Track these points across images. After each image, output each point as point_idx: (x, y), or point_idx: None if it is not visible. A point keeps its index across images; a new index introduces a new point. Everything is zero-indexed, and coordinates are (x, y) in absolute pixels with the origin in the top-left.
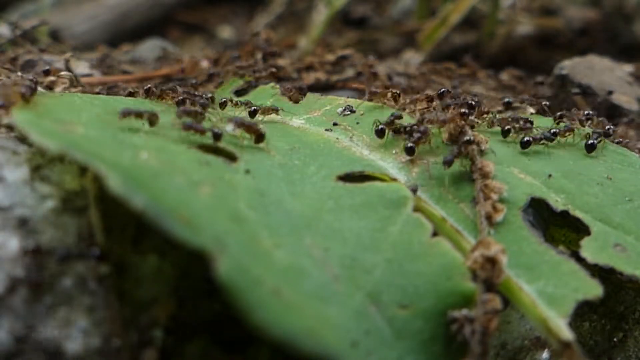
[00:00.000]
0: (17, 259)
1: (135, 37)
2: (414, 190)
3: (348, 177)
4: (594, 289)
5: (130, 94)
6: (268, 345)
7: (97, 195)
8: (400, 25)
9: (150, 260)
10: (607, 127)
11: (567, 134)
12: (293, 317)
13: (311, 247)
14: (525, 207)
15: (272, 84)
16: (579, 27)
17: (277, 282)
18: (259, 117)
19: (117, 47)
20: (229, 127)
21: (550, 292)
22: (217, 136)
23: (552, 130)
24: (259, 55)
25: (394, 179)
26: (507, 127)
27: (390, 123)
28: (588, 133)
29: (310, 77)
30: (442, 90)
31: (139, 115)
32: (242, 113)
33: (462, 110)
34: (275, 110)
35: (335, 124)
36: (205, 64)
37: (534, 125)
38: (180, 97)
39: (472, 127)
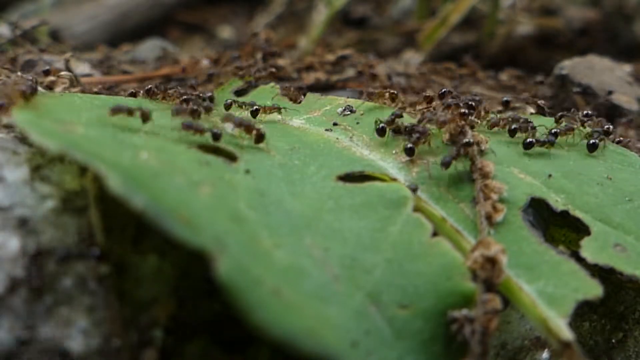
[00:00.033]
0: (17, 259)
1: (135, 37)
2: (414, 190)
3: (348, 177)
4: (594, 289)
5: (132, 95)
6: (268, 345)
7: (97, 195)
8: (400, 25)
9: (150, 260)
10: (606, 126)
11: (567, 133)
12: (293, 317)
13: (311, 247)
14: (525, 207)
15: (272, 84)
16: (579, 27)
17: (277, 282)
18: (261, 116)
19: (117, 47)
20: (229, 127)
21: (550, 292)
22: (216, 136)
23: (552, 131)
24: (259, 55)
25: (394, 179)
26: (513, 127)
27: (391, 122)
28: (589, 133)
29: (310, 77)
30: (443, 90)
31: (130, 112)
32: (246, 114)
33: (462, 110)
34: (278, 109)
35: (335, 124)
36: (205, 62)
37: (534, 125)
38: (184, 97)
39: (472, 127)
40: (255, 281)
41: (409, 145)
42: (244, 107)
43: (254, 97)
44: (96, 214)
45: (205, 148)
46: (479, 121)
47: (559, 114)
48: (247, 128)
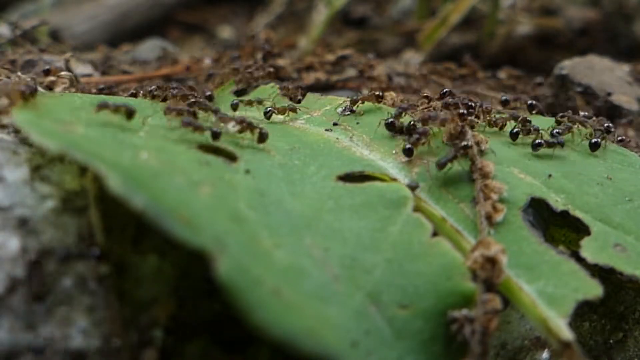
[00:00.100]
0: (17, 259)
1: (135, 37)
2: (414, 190)
3: (348, 177)
4: (594, 289)
5: (133, 95)
6: (268, 345)
7: (97, 195)
8: (400, 25)
9: (150, 260)
10: (606, 125)
11: (568, 131)
12: (293, 317)
13: (311, 247)
14: (525, 207)
15: (272, 84)
16: (579, 27)
17: (277, 282)
18: (276, 117)
19: (117, 47)
20: (231, 126)
21: (550, 292)
22: (215, 134)
23: (554, 131)
24: (259, 55)
25: (394, 179)
26: (515, 130)
27: (399, 115)
28: (590, 132)
29: (310, 77)
30: (444, 90)
31: (115, 109)
32: (256, 113)
33: (461, 110)
34: (294, 109)
35: (335, 124)
36: (208, 61)
37: (537, 127)
38: (192, 100)
39: (472, 127)
40: (255, 281)
41: (408, 145)
42: (251, 103)
43: (254, 97)
44: (96, 214)
45: (206, 148)
46: (479, 121)
47: (560, 114)
48: (250, 127)
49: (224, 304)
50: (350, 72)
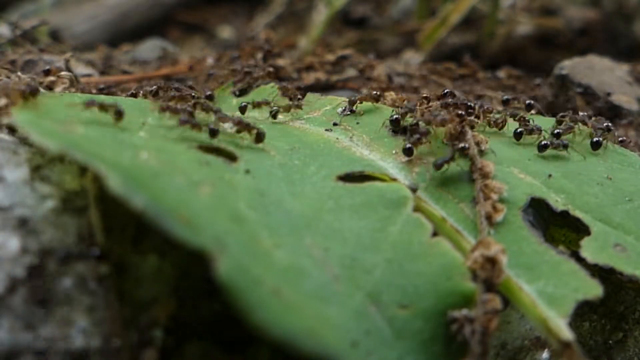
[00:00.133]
0: (17, 259)
1: (135, 37)
2: (414, 190)
3: (348, 177)
4: (594, 289)
5: (133, 95)
6: (268, 345)
7: (97, 195)
8: (400, 25)
9: (150, 260)
10: (605, 124)
11: (570, 131)
12: (293, 317)
13: (311, 247)
14: (525, 207)
15: (272, 84)
16: (579, 27)
17: (277, 282)
18: (281, 116)
19: (117, 47)
20: (228, 126)
21: (550, 292)
22: (213, 132)
23: (555, 131)
24: (259, 56)
25: (394, 179)
26: (519, 131)
27: (405, 113)
28: (591, 131)
29: (310, 77)
30: (445, 90)
31: (103, 107)
32: (256, 113)
33: (461, 111)
34: (299, 106)
35: (335, 124)
36: (210, 61)
37: (540, 127)
38: (194, 102)
39: (472, 127)
40: (255, 281)
41: (408, 145)
42: (259, 105)
43: (254, 97)
44: (96, 214)
45: (206, 148)
46: (479, 121)
47: (560, 114)
48: (247, 127)
49: (224, 304)
50: (350, 72)
